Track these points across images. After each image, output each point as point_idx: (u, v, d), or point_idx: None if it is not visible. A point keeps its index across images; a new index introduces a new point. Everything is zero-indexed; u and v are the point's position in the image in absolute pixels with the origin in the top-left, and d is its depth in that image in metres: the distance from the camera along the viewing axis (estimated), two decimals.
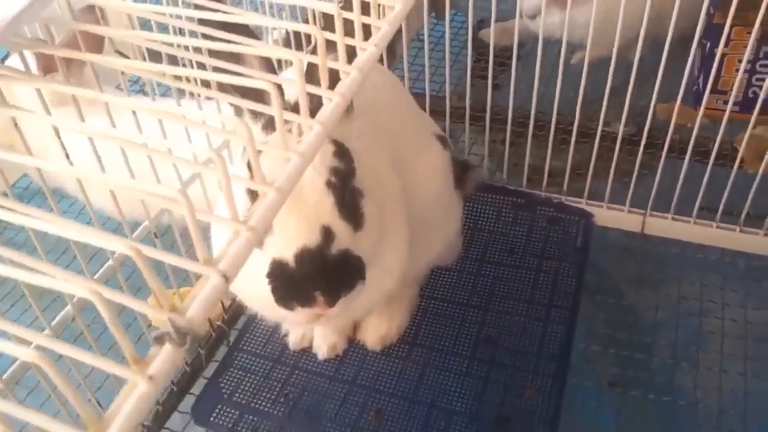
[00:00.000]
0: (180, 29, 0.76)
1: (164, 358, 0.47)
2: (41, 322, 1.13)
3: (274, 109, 0.60)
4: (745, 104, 1.83)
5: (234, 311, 1.59)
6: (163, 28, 0.87)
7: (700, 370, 1.45)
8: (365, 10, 0.76)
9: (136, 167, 1.19)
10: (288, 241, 0.95)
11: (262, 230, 0.56)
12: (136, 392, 0.45)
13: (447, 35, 1.67)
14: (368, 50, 0.74)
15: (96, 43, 1.64)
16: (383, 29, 0.77)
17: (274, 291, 0.96)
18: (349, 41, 0.73)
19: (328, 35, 0.72)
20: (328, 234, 0.96)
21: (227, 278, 0.52)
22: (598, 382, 1.46)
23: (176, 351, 0.47)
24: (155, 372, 0.46)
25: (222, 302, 1.55)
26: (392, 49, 2.03)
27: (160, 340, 0.48)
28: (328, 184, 0.97)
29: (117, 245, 0.45)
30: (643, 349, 1.51)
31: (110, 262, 1.18)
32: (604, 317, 1.61)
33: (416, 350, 1.46)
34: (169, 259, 0.50)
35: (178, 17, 0.73)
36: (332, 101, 0.68)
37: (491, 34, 1.70)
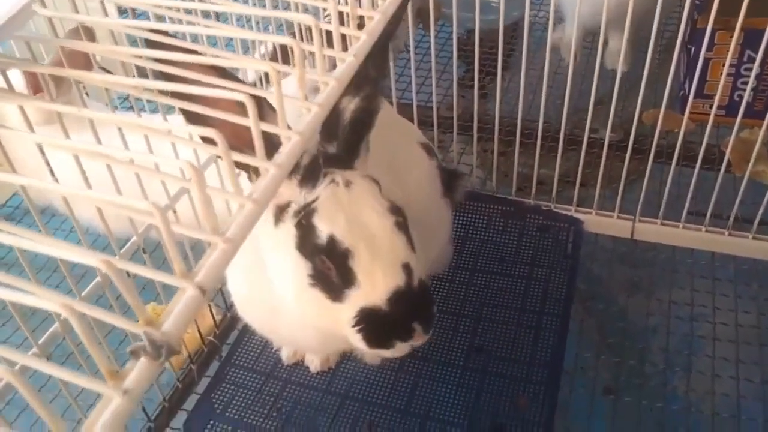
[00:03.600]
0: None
1: (139, 372, 0.47)
2: (30, 341, 1.13)
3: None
4: (731, 108, 1.85)
5: (226, 326, 1.59)
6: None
7: (693, 374, 1.45)
8: (344, 21, 0.76)
9: (124, 183, 1.19)
10: (377, 287, 0.98)
11: (239, 242, 0.56)
12: (111, 406, 0.44)
13: (432, 45, 1.68)
14: (347, 60, 0.74)
15: (84, 63, 1.65)
16: (362, 39, 0.77)
17: (368, 336, 0.99)
18: (328, 52, 0.74)
19: (307, 46, 0.72)
20: (408, 271, 1.00)
21: (204, 291, 0.52)
22: (591, 389, 1.46)
23: (151, 364, 0.47)
24: (130, 386, 0.46)
25: (213, 317, 1.55)
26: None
27: (135, 353, 0.48)
28: (397, 224, 1.01)
29: (89, 259, 0.45)
30: (635, 355, 1.51)
31: (98, 279, 1.18)
32: (595, 323, 1.60)
33: (409, 361, 1.46)
34: (144, 271, 0.50)
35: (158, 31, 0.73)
36: (311, 111, 0.69)
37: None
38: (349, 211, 0.99)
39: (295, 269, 1.01)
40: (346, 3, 0.78)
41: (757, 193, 1.55)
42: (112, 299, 1.22)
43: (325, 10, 0.77)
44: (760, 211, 1.54)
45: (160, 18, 0.79)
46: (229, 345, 1.55)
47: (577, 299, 1.58)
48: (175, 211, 1.19)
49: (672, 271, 1.67)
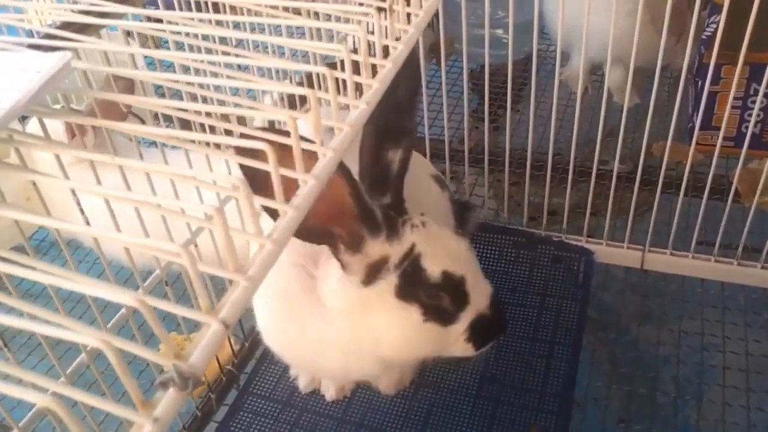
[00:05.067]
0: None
1: (168, 402, 0.51)
2: (57, 371, 1.18)
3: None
4: (739, 139, 1.87)
5: (244, 355, 1.62)
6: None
7: (704, 403, 1.47)
8: (356, 70, 0.81)
9: (149, 218, 1.24)
10: (483, 299, 1.12)
11: (260, 279, 0.60)
12: None
13: (444, 80, 1.73)
14: (360, 108, 0.79)
15: (120, 111, 1.71)
16: (374, 87, 0.82)
17: (479, 341, 1.12)
18: (342, 99, 0.78)
19: (322, 94, 0.77)
20: None
21: (227, 325, 0.56)
22: (603, 418, 1.47)
23: (179, 395, 0.51)
24: (160, 414, 0.50)
25: (232, 347, 1.59)
26: None
27: (165, 384, 0.52)
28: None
29: (123, 298, 0.50)
30: (646, 384, 1.53)
31: (123, 310, 1.23)
32: (606, 353, 1.63)
33: (423, 390, 1.48)
34: (173, 308, 0.54)
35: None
36: (326, 156, 0.73)
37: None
38: (442, 245, 1.09)
39: (399, 318, 1.08)
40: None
41: (766, 223, 1.58)
42: (135, 329, 1.27)
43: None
44: None
45: (186, 69, 0.85)
46: (246, 374, 1.58)
47: (588, 329, 1.61)
48: (196, 245, 1.24)
49: (682, 301, 1.69)
